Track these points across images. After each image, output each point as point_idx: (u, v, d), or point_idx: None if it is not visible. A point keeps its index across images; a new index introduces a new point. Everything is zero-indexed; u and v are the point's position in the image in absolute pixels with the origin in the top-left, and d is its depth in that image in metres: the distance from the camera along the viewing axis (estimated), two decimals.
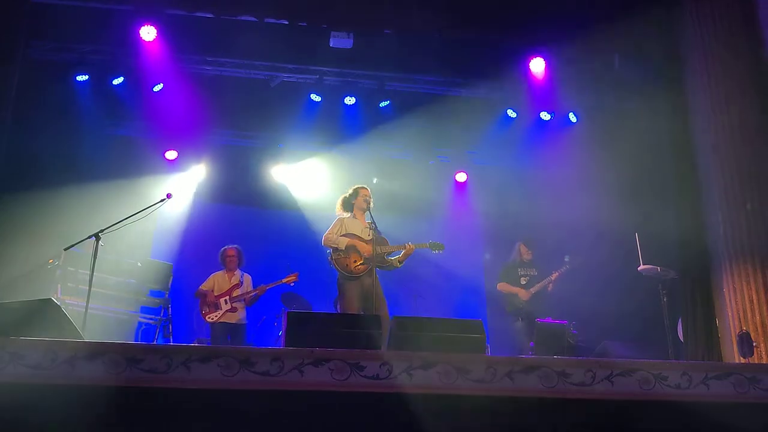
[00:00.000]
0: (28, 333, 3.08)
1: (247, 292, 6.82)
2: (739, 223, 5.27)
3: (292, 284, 6.97)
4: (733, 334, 5.11)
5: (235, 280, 6.82)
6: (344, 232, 5.48)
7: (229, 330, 6.61)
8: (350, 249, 5.39)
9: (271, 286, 6.89)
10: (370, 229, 5.43)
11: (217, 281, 6.83)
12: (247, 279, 6.97)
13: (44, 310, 3.48)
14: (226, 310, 6.61)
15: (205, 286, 6.80)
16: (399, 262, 5.55)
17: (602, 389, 3.18)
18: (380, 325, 3.75)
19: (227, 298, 6.66)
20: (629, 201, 7.42)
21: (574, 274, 6.68)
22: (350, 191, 5.69)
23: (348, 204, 5.66)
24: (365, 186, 5.80)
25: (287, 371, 3.02)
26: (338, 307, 7.70)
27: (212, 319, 6.56)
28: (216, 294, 6.70)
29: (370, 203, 5.56)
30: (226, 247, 7.03)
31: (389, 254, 5.52)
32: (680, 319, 5.95)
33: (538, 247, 6.96)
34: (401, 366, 3.10)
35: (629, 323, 6.97)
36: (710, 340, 5.50)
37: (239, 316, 6.72)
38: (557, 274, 6.57)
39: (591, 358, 4.31)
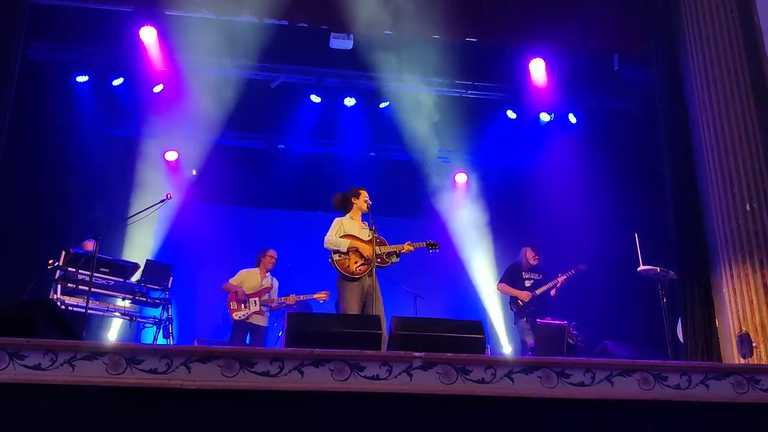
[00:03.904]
0: (28, 334, 3.08)
1: (278, 300, 6.82)
2: (739, 224, 5.27)
3: (322, 301, 6.96)
4: (732, 335, 5.11)
5: (266, 283, 6.81)
6: (343, 233, 5.47)
7: (251, 330, 6.60)
8: (351, 250, 5.38)
9: (301, 298, 6.90)
10: (369, 229, 5.44)
11: (248, 278, 6.77)
12: (276, 284, 6.97)
13: (44, 311, 3.48)
14: (254, 312, 6.59)
15: (235, 281, 6.75)
16: (396, 256, 5.54)
17: (602, 389, 3.18)
18: (380, 326, 3.76)
19: (257, 299, 6.64)
20: (629, 201, 7.43)
21: (576, 276, 6.68)
22: (350, 191, 5.68)
23: (347, 204, 5.65)
24: (364, 188, 5.80)
25: (287, 372, 3.02)
26: (338, 308, 7.72)
27: (239, 316, 6.53)
28: (248, 292, 6.66)
29: (370, 205, 5.57)
30: (268, 248, 6.97)
31: (388, 254, 5.51)
32: (680, 320, 5.95)
33: (542, 250, 6.94)
34: (401, 366, 3.10)
35: (629, 323, 6.98)
36: (710, 341, 5.50)
37: (264, 318, 6.72)
38: (562, 278, 6.57)
39: (591, 358, 4.31)
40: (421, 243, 5.58)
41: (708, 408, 3.21)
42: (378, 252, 5.37)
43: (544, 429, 3.17)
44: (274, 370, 3.01)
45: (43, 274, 6.50)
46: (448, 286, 9.29)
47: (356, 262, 5.34)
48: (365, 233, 5.45)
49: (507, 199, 9.55)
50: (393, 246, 5.50)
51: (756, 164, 5.39)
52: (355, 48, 7.33)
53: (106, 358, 2.93)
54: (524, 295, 6.57)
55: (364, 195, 5.64)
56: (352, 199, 5.59)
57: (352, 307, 5.25)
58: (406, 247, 5.46)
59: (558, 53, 7.53)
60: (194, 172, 5.57)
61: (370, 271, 5.30)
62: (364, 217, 5.59)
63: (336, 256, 5.40)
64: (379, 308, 5.28)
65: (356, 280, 5.29)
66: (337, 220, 5.60)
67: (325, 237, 5.47)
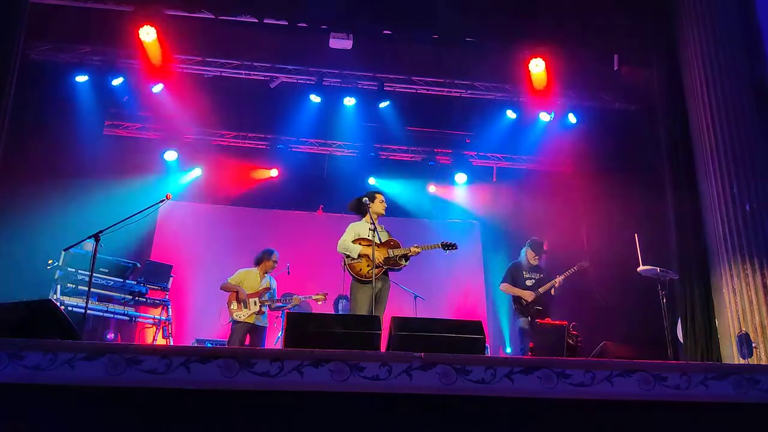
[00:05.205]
0: (28, 334, 3.07)
1: (282, 302, 6.82)
2: (739, 224, 5.27)
3: (320, 303, 6.97)
4: (732, 335, 5.11)
5: (265, 283, 6.80)
6: (356, 238, 5.53)
7: (251, 330, 6.58)
8: (362, 255, 5.44)
9: (301, 298, 6.89)
10: (383, 231, 5.56)
11: (247, 278, 6.74)
12: (275, 284, 6.96)
13: (43, 311, 3.48)
14: (254, 312, 6.58)
15: (234, 281, 6.73)
16: (406, 259, 5.57)
17: (602, 390, 3.18)
18: (380, 326, 3.75)
19: (257, 299, 6.63)
20: (629, 201, 7.43)
21: (576, 275, 6.67)
22: (365, 195, 5.66)
23: (362, 207, 5.63)
24: (380, 191, 5.83)
25: (287, 372, 3.02)
26: (342, 308, 7.73)
27: (239, 317, 6.51)
28: (247, 292, 6.65)
29: (385, 207, 5.66)
30: (273, 252, 6.94)
31: (400, 257, 5.52)
32: (679, 320, 5.95)
33: (542, 250, 6.93)
34: (401, 367, 3.10)
35: (629, 323, 6.97)
36: (709, 341, 5.50)
37: (263, 318, 6.70)
38: (562, 277, 6.56)
39: (591, 359, 4.31)
40: (433, 245, 5.59)
41: (708, 408, 3.21)
42: (391, 255, 5.43)
43: (544, 429, 3.17)
44: (274, 370, 3.01)
45: (43, 274, 6.50)
46: (448, 286, 9.29)
47: (368, 266, 5.38)
48: (383, 235, 5.51)
49: (507, 198, 9.55)
50: (403, 249, 5.52)
51: (756, 164, 5.39)
52: (355, 48, 7.32)
53: (105, 358, 2.92)
54: (527, 295, 6.53)
55: (380, 198, 5.69)
56: (368, 203, 5.58)
57: (363, 309, 5.31)
58: (414, 249, 5.50)
59: (558, 53, 7.52)
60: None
61: (383, 273, 5.42)
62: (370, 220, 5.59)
63: (348, 261, 5.49)
64: (380, 310, 5.32)
65: (368, 283, 5.33)
66: (351, 225, 5.65)
67: (339, 241, 5.53)
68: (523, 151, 9.37)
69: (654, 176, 6.89)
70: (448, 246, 5.63)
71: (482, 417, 3.11)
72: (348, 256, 5.48)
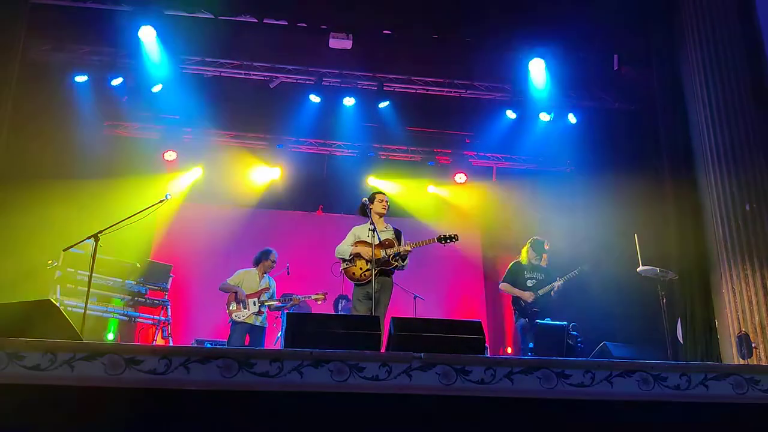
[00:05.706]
0: (27, 334, 3.07)
1: (282, 302, 6.82)
2: (739, 224, 5.27)
3: (320, 302, 6.98)
4: (732, 335, 5.11)
5: (264, 284, 6.79)
6: (355, 241, 5.55)
7: (250, 331, 6.57)
8: (355, 257, 5.46)
9: (299, 301, 6.90)
10: (389, 231, 5.58)
11: (246, 279, 6.73)
12: (274, 284, 6.96)
13: (43, 311, 3.48)
14: (253, 312, 6.57)
15: (233, 281, 6.72)
16: (401, 258, 5.53)
17: (601, 390, 3.18)
18: (379, 326, 3.75)
19: (256, 299, 6.63)
20: (629, 201, 7.43)
21: (578, 277, 6.66)
22: (368, 197, 5.67)
23: (364, 209, 5.62)
24: (382, 191, 5.83)
25: (287, 372, 3.02)
26: (342, 308, 7.73)
27: (239, 317, 6.51)
28: (246, 292, 6.64)
29: (387, 208, 5.65)
30: (271, 251, 6.93)
31: (393, 256, 5.48)
32: (679, 320, 5.95)
33: (543, 250, 6.91)
34: (401, 367, 3.10)
35: (629, 324, 6.97)
36: (709, 341, 5.51)
37: (262, 319, 6.70)
38: (562, 281, 6.53)
39: (590, 359, 4.31)
40: (427, 240, 5.54)
41: (708, 408, 3.21)
42: (383, 255, 5.41)
43: (544, 429, 3.16)
44: (274, 370, 3.01)
45: (42, 275, 6.50)
46: (448, 287, 9.29)
47: (361, 268, 5.41)
48: (384, 235, 5.50)
49: (507, 198, 9.56)
50: (395, 247, 5.50)
51: (756, 164, 5.39)
52: (355, 48, 7.31)
53: (105, 358, 2.92)
54: (527, 296, 6.50)
55: (379, 197, 5.70)
56: (369, 205, 5.57)
57: (361, 310, 5.33)
58: (404, 248, 5.47)
59: (558, 53, 7.52)
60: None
61: (381, 274, 5.38)
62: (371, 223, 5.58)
63: (344, 265, 5.51)
64: (380, 310, 5.31)
65: (364, 284, 5.33)
66: (353, 228, 5.67)
67: (336, 247, 5.57)
68: (523, 151, 9.37)
69: (654, 176, 6.89)
70: (447, 238, 5.53)
71: (482, 417, 3.11)
72: (343, 260, 5.51)
